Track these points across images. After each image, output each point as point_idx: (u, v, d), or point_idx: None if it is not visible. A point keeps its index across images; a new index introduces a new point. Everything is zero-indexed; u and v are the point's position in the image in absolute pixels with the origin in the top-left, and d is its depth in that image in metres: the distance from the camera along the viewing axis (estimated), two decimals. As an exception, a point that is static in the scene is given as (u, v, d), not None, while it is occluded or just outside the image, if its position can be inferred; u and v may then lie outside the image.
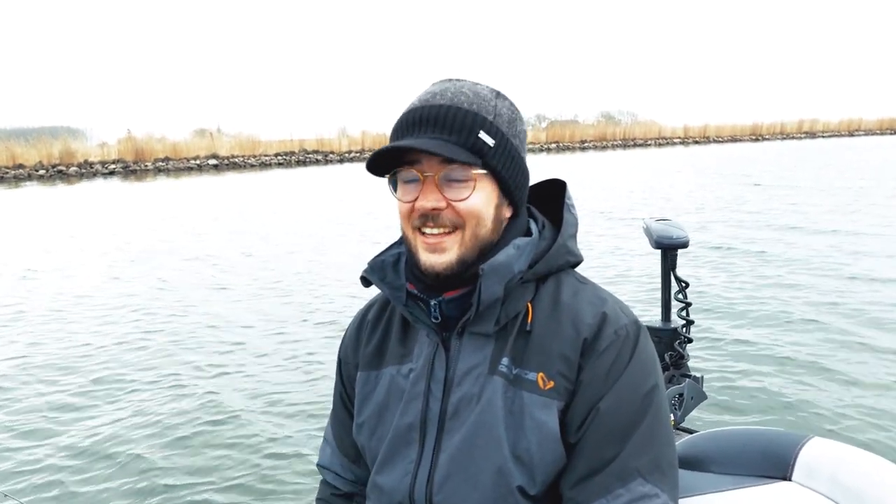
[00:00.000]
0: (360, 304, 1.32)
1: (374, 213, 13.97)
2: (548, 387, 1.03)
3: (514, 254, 1.06)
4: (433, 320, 1.10)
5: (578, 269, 1.17)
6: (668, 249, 2.42)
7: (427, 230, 1.04)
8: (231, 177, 29.38)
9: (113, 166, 32.64)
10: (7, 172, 29.73)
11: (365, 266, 1.16)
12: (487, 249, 1.06)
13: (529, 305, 1.08)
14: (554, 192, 1.20)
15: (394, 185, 1.08)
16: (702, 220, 11.95)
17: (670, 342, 2.48)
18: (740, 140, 60.28)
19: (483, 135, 1.01)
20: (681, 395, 2.30)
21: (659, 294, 2.59)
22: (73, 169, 31.45)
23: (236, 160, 36.15)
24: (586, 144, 51.36)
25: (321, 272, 8.63)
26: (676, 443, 1.27)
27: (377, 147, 1.08)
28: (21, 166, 30.67)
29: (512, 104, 1.09)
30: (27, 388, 4.90)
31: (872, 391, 4.27)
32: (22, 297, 7.77)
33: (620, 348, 1.04)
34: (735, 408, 4.11)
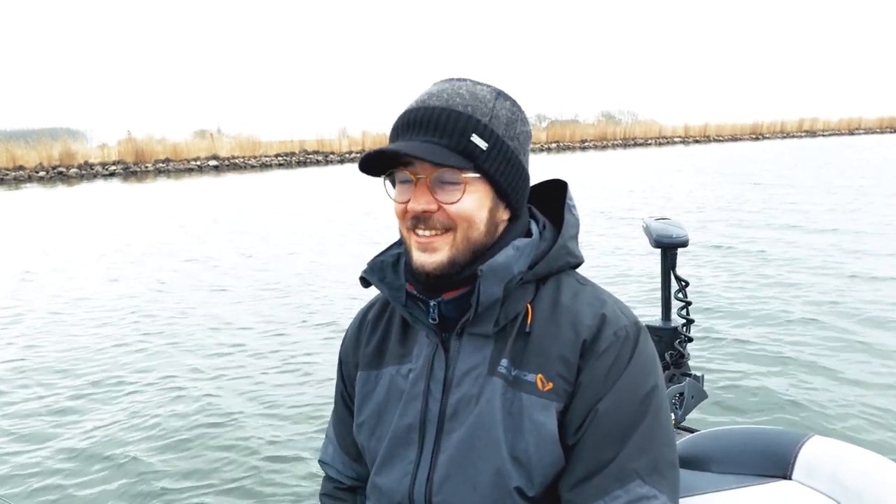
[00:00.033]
0: (360, 306, 1.32)
1: (373, 214, 13.98)
2: (546, 388, 1.03)
3: (514, 255, 1.06)
4: (431, 321, 1.10)
5: (579, 270, 1.17)
6: (668, 248, 2.42)
7: (420, 231, 1.05)
8: (231, 178, 29.39)
9: (113, 167, 32.63)
10: (7, 174, 29.74)
11: (364, 266, 1.16)
12: (481, 252, 1.06)
13: (529, 306, 1.08)
14: (555, 193, 1.19)
15: (392, 182, 1.08)
16: (702, 219, 11.95)
17: (671, 341, 2.48)
18: (740, 139, 60.22)
19: (475, 138, 1.01)
20: (681, 394, 2.30)
21: (659, 293, 2.59)
22: (73, 170, 31.44)
23: (237, 161, 36.14)
24: (587, 144, 51.31)
25: (321, 273, 8.63)
26: (677, 442, 1.27)
27: (377, 147, 1.09)
28: (21, 168, 30.67)
29: (513, 105, 1.08)
30: (25, 391, 4.89)
31: (873, 390, 4.27)
32: (21, 298, 7.77)
33: (620, 350, 1.03)
34: (735, 407, 4.11)
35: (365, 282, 1.16)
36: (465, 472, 1.05)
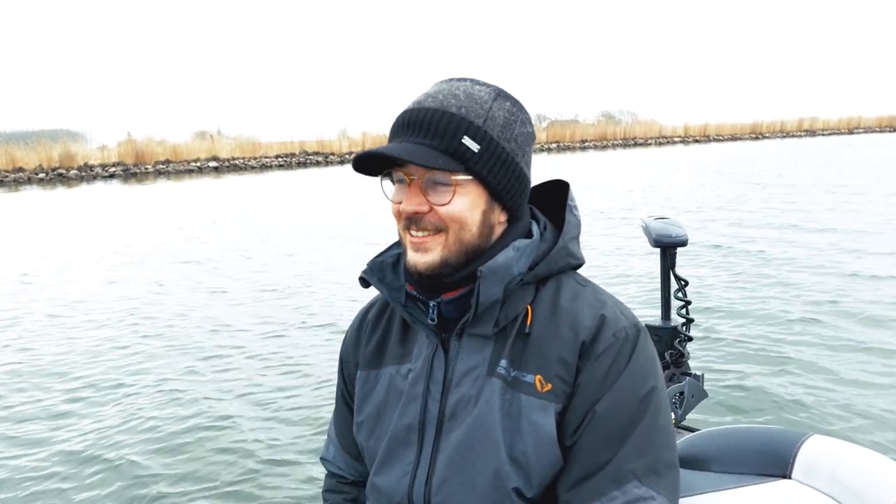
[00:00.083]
0: (359, 307, 1.33)
1: (373, 214, 13.96)
2: (545, 389, 1.03)
3: (514, 256, 1.06)
4: (431, 321, 1.10)
5: (580, 270, 1.17)
6: (667, 248, 2.42)
7: (413, 231, 1.05)
8: (231, 179, 29.38)
9: (113, 169, 32.60)
10: (7, 176, 29.71)
11: (364, 267, 1.17)
12: (475, 253, 1.06)
13: (529, 308, 1.08)
14: (557, 193, 1.19)
15: (392, 181, 1.08)
16: (702, 218, 11.95)
17: (670, 340, 2.48)
18: (740, 138, 60.19)
19: (467, 140, 1.00)
20: (681, 393, 2.30)
21: (658, 293, 2.59)
22: (73, 172, 31.40)
23: (237, 162, 36.12)
24: (587, 144, 51.28)
25: (320, 275, 8.62)
26: (677, 441, 1.27)
27: (368, 149, 1.09)
28: (21, 170, 30.65)
29: (513, 106, 1.07)
30: (22, 394, 4.88)
31: (873, 390, 4.26)
32: (20, 301, 7.76)
33: (619, 351, 1.03)
34: (735, 406, 4.10)
35: (364, 282, 1.16)
36: (464, 472, 1.05)
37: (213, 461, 3.77)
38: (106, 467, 3.74)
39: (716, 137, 59.79)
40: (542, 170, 1.09)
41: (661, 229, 2.37)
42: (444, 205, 1.02)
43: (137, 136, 36.61)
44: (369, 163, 1.05)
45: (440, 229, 1.04)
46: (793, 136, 63.01)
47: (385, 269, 1.15)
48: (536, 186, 1.20)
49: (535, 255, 1.09)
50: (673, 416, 2.20)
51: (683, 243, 2.36)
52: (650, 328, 2.42)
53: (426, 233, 1.04)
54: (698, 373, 2.43)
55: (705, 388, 2.44)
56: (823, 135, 64.51)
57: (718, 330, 5.52)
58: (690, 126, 60.78)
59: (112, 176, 31.88)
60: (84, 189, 26.02)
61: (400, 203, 1.05)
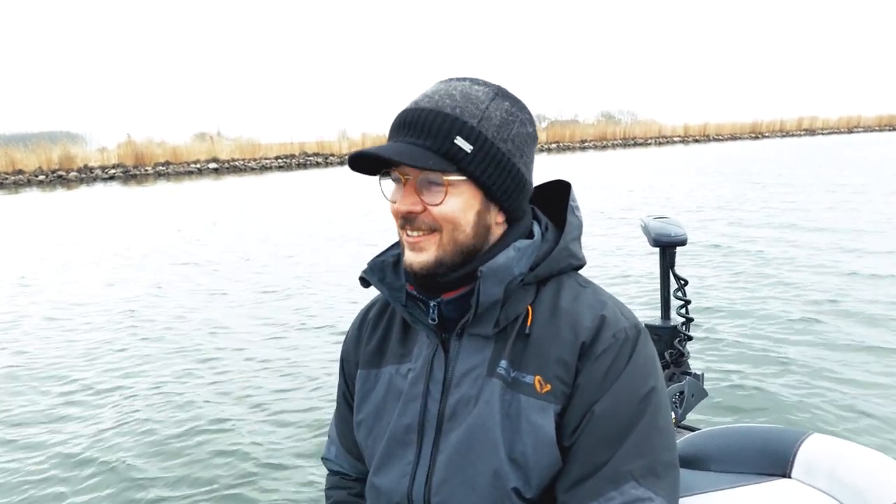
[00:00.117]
0: (358, 309, 1.33)
1: (373, 215, 13.96)
2: (545, 390, 1.03)
3: (515, 256, 1.06)
4: (431, 321, 1.10)
5: (581, 271, 1.17)
6: (667, 247, 2.42)
7: (408, 231, 1.05)
8: (231, 180, 29.38)
9: (113, 171, 32.59)
10: (6, 178, 29.72)
11: (364, 267, 1.17)
12: (471, 254, 1.06)
13: (530, 308, 1.08)
14: (558, 194, 1.19)
15: (395, 179, 1.08)
16: (702, 218, 11.95)
17: (670, 340, 2.49)
18: (740, 138, 60.15)
19: (459, 140, 1.00)
20: (681, 392, 2.30)
21: (658, 293, 2.59)
22: (72, 174, 31.39)
23: (237, 163, 36.11)
24: (586, 144, 51.25)
25: (320, 276, 8.61)
26: (677, 441, 1.27)
27: (361, 149, 1.09)
28: (21, 172, 30.64)
29: (512, 106, 1.06)
30: (20, 397, 4.87)
31: (873, 389, 4.26)
32: (18, 303, 7.75)
33: (618, 351, 1.03)
34: (735, 406, 4.10)
35: (365, 282, 1.17)
36: (463, 472, 1.05)
37: (211, 464, 3.76)
38: (104, 470, 3.74)
39: (715, 137, 59.78)
40: (541, 170, 1.08)
41: (660, 228, 2.37)
42: (436, 205, 1.02)
43: (137, 137, 36.65)
44: (366, 162, 1.05)
45: (434, 229, 1.04)
46: (792, 135, 63.01)
47: (385, 269, 1.16)
48: (538, 187, 1.20)
49: (536, 255, 1.09)
50: (673, 415, 2.20)
51: (683, 242, 2.36)
52: (650, 328, 2.42)
53: (420, 233, 1.04)
54: (698, 372, 2.43)
55: (705, 387, 2.44)
56: (823, 134, 64.51)
57: (718, 329, 5.52)
58: (690, 126, 60.76)
59: (112, 178, 31.88)
60: (84, 191, 26.02)
61: (396, 203, 1.06)
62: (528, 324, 1.07)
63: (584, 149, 48.99)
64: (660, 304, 2.58)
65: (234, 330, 6.30)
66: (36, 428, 4.34)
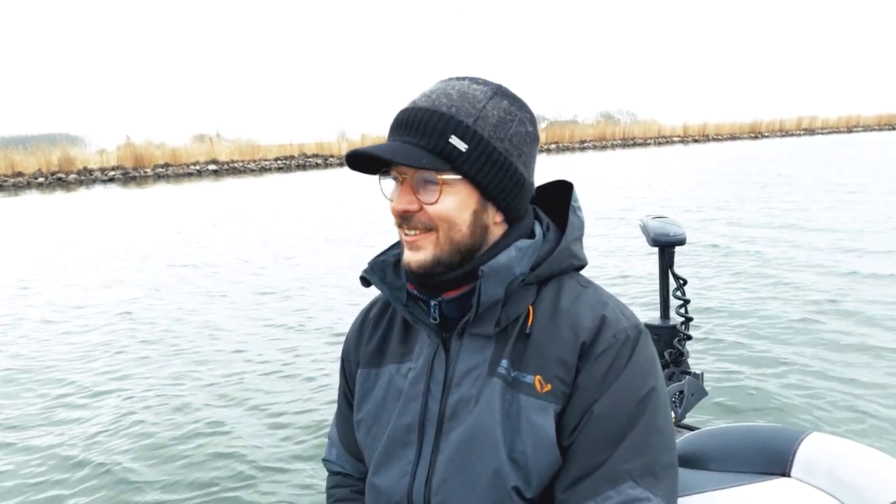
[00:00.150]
0: (358, 310, 1.32)
1: (372, 216, 13.95)
2: (545, 390, 1.03)
3: (516, 256, 1.06)
4: (432, 321, 1.10)
5: (582, 271, 1.17)
6: (666, 247, 2.42)
7: (406, 230, 1.06)
8: (231, 182, 29.37)
9: (112, 173, 32.57)
10: (6, 180, 29.70)
11: (365, 266, 1.17)
12: (468, 253, 1.07)
13: (531, 308, 1.08)
14: (560, 194, 1.19)
15: (394, 178, 1.08)
16: (702, 218, 11.95)
17: (669, 339, 2.49)
18: (739, 138, 60.17)
19: (454, 139, 1.00)
20: (681, 392, 2.30)
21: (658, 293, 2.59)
22: (72, 176, 31.38)
23: (236, 165, 36.10)
24: (586, 144, 51.26)
25: (320, 278, 8.61)
26: (677, 440, 1.27)
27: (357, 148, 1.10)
28: (20, 174, 30.62)
29: (511, 105, 1.06)
30: (18, 399, 4.87)
31: (872, 389, 4.26)
32: (17, 306, 7.75)
33: (618, 352, 1.03)
34: (735, 405, 4.10)
35: (365, 281, 1.17)
36: (464, 472, 1.05)
37: (210, 466, 3.74)
38: (101, 472, 3.73)
39: (715, 137, 59.80)
40: (541, 170, 1.08)
41: (659, 228, 2.37)
42: (432, 204, 1.03)
43: (136, 139, 36.63)
44: (364, 161, 1.05)
45: (430, 228, 1.04)
46: (792, 135, 63.04)
47: (386, 269, 1.16)
48: (540, 187, 1.20)
49: (537, 255, 1.09)
50: (672, 414, 2.20)
51: (682, 242, 2.36)
52: (649, 327, 2.42)
53: (417, 231, 1.05)
54: (698, 371, 2.43)
55: (705, 386, 2.44)
56: (822, 133, 64.56)
57: (718, 329, 5.52)
58: (689, 126, 60.77)
59: (111, 180, 31.87)
60: (83, 193, 26.01)
61: (393, 201, 1.06)
62: (529, 324, 1.07)
63: (583, 149, 48.99)
64: (659, 304, 2.58)
65: (232, 332, 6.29)
66: (33, 430, 4.33)
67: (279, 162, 37.93)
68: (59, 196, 25.01)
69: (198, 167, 35.10)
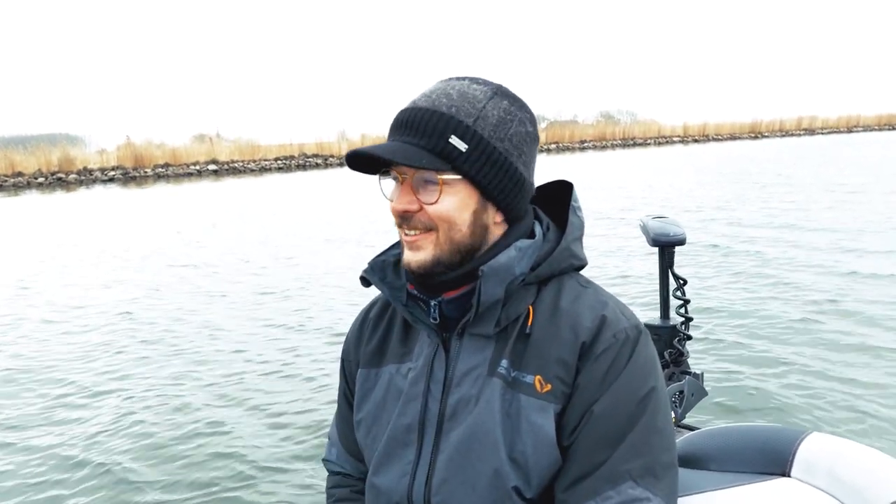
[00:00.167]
0: (358, 310, 1.32)
1: (372, 216, 13.95)
2: (545, 390, 1.03)
3: (516, 256, 1.06)
4: (433, 321, 1.10)
5: (582, 272, 1.17)
6: (666, 247, 2.42)
7: (406, 230, 1.06)
8: (231, 182, 29.37)
9: (112, 173, 32.56)
10: (6, 180, 29.69)
11: (365, 266, 1.17)
12: (468, 253, 1.07)
13: (531, 308, 1.08)
14: (560, 194, 1.19)
15: (394, 178, 1.08)
16: (701, 218, 11.95)
17: (669, 339, 2.48)
18: (739, 138, 60.16)
19: (454, 139, 1.00)
20: (681, 392, 2.30)
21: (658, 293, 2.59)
22: (72, 176, 31.37)
23: (236, 165, 36.10)
24: (586, 144, 51.25)
25: (320, 278, 8.61)
26: (677, 440, 1.27)
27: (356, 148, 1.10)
28: (20, 174, 30.62)
29: (511, 105, 1.06)
30: (18, 399, 4.86)
31: (872, 389, 4.26)
32: (17, 306, 7.75)
33: (618, 352, 1.03)
34: (735, 405, 4.10)
35: (365, 281, 1.17)
36: (464, 472, 1.05)
37: (209, 466, 3.74)
38: (101, 472, 3.72)
39: (715, 137, 59.79)
40: (541, 170, 1.08)
41: (659, 228, 2.37)
42: (431, 204, 1.03)
43: (136, 139, 36.63)
44: (364, 161, 1.05)
45: (430, 228, 1.04)
46: (792, 135, 63.03)
47: (386, 269, 1.16)
48: (540, 187, 1.20)
49: (537, 255, 1.09)
50: (672, 414, 2.20)
51: (681, 242, 2.36)
52: (649, 327, 2.42)
53: (417, 231, 1.05)
54: (698, 371, 2.43)
55: (705, 386, 2.44)
56: (822, 133, 64.56)
57: (718, 329, 5.52)
58: (689, 126, 60.76)
59: (111, 180, 31.87)
60: (83, 193, 26.01)
61: (393, 201, 1.06)
62: (529, 324, 1.07)
63: (583, 149, 48.98)
64: (659, 304, 2.58)
65: (232, 332, 6.29)
66: (33, 430, 4.33)
67: (279, 162, 37.92)
68: (59, 196, 25.01)
69: (198, 167, 35.10)
